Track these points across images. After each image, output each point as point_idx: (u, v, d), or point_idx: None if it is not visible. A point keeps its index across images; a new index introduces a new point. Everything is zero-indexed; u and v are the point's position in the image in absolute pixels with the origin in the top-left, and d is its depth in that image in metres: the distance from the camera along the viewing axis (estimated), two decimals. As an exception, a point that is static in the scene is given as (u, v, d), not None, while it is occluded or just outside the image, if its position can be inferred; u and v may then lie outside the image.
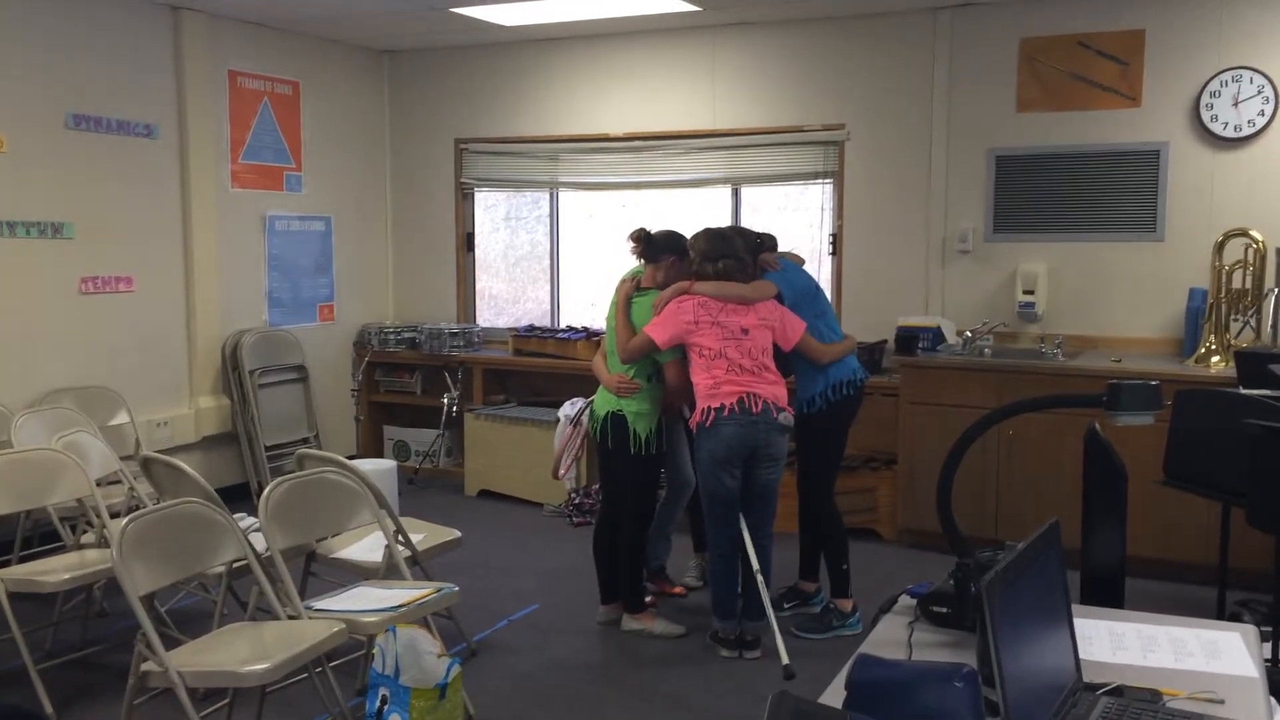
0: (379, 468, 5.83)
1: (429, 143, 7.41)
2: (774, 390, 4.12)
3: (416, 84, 7.42)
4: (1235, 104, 5.33)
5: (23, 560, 4.27)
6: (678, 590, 4.92)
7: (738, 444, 4.05)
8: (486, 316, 7.50)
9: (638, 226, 4.49)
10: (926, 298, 6.07)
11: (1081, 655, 1.87)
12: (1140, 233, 5.60)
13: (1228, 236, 5.15)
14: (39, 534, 4.70)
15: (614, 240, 6.92)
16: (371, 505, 3.83)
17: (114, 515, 4.23)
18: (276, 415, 6.55)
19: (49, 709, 3.68)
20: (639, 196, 6.91)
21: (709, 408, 4.07)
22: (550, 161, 7.06)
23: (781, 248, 4.68)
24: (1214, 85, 5.37)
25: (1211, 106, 5.38)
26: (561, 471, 5.13)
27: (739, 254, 4.25)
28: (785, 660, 3.96)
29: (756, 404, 4.05)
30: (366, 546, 4.07)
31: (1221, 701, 1.80)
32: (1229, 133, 5.36)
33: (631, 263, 4.58)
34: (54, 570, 3.89)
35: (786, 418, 4.13)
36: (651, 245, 4.40)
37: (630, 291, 4.38)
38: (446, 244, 7.46)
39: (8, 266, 5.25)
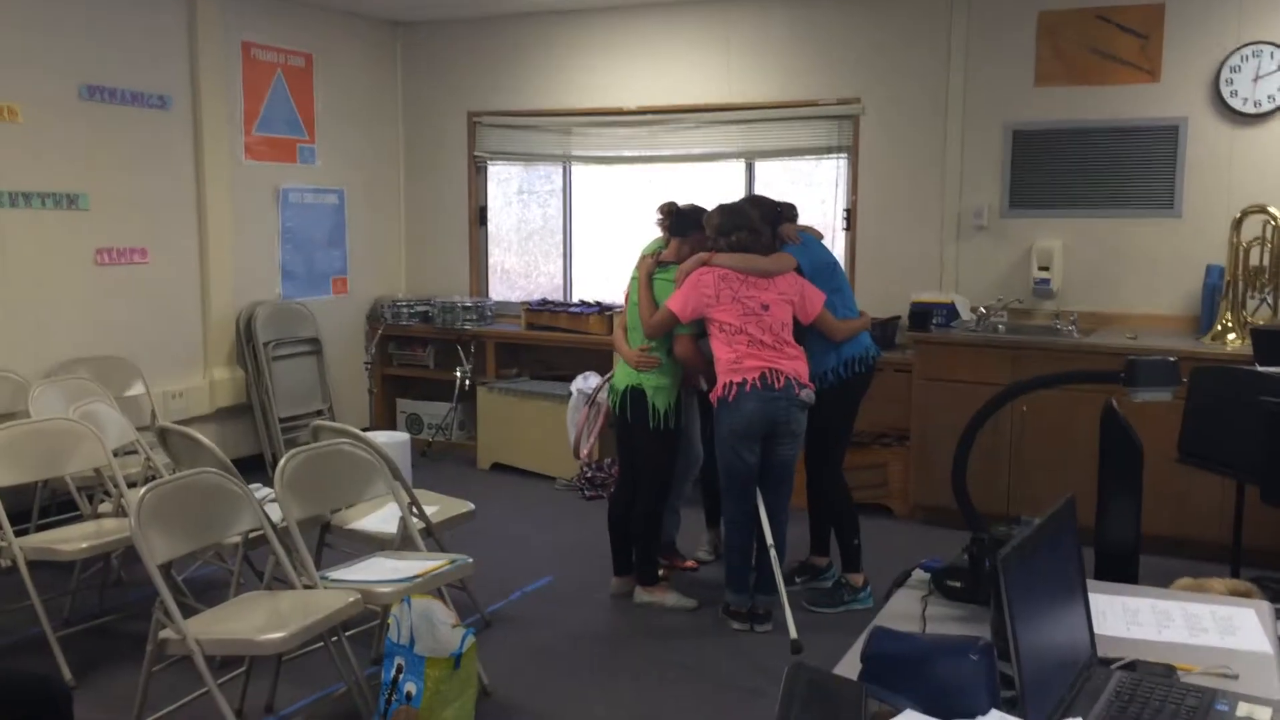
0: (392, 440, 5.85)
1: (442, 116, 7.39)
2: (795, 366, 4.11)
3: (429, 56, 7.39)
4: (1255, 79, 5.28)
5: (40, 529, 4.31)
6: (689, 564, 4.94)
7: (758, 419, 4.05)
8: (499, 290, 7.50)
9: (666, 200, 4.48)
10: (941, 273, 6.05)
11: (1096, 630, 1.87)
12: (1158, 209, 5.56)
13: (1246, 213, 5.11)
14: (56, 503, 4.75)
15: (626, 214, 6.91)
16: (386, 477, 3.84)
17: (131, 485, 4.27)
18: (290, 387, 6.57)
19: (68, 675, 3.72)
20: (652, 170, 6.88)
21: (731, 382, 4.06)
22: (563, 135, 7.04)
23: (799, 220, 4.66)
24: (1234, 60, 5.31)
25: (1231, 82, 5.33)
26: (583, 452, 5.14)
27: (753, 225, 4.23)
28: (794, 634, 3.98)
29: (779, 380, 4.04)
30: (381, 518, 4.09)
31: (1236, 676, 1.80)
32: (1249, 108, 5.31)
33: (653, 235, 4.57)
34: (72, 539, 3.93)
35: (809, 394, 4.12)
36: (680, 219, 4.39)
37: (651, 268, 4.37)
38: (459, 217, 7.45)
39: (24, 238, 5.27)
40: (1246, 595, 2.29)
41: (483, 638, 4.08)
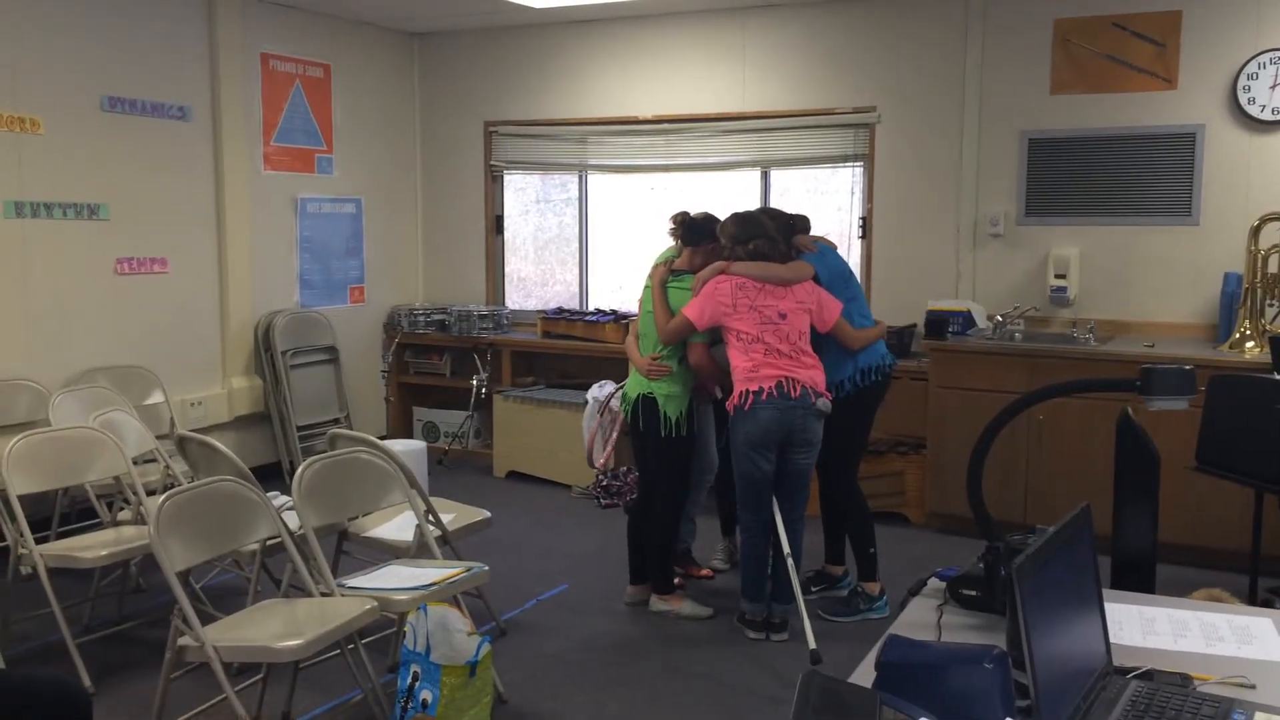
0: (409, 448, 5.87)
1: (459, 125, 7.43)
2: (812, 375, 4.11)
3: (446, 66, 7.43)
4: (1273, 86, 5.26)
5: (61, 537, 4.35)
6: (705, 573, 4.94)
7: (774, 428, 4.05)
8: (515, 299, 7.53)
9: (679, 209, 4.49)
10: (957, 281, 6.04)
11: (1112, 639, 1.86)
12: (1175, 217, 5.53)
13: (1264, 221, 5.08)
14: (76, 511, 4.79)
15: (642, 223, 6.92)
16: (403, 485, 3.87)
17: (150, 493, 4.29)
18: (308, 396, 6.61)
19: (87, 681, 3.75)
20: (668, 179, 6.90)
21: (747, 390, 4.06)
22: (579, 144, 7.07)
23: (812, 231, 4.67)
24: (1251, 67, 5.29)
25: (1249, 89, 5.31)
26: (599, 461, 5.14)
27: (769, 233, 4.23)
28: (813, 645, 3.97)
29: (795, 388, 4.04)
30: (397, 526, 4.11)
31: (1253, 686, 1.79)
32: (1266, 115, 5.29)
33: (665, 244, 4.58)
34: (92, 546, 3.96)
35: (825, 403, 4.11)
36: (691, 229, 4.40)
37: (665, 276, 4.37)
38: (476, 226, 7.48)
39: (45, 247, 5.32)
40: (1219, 600, 2.29)
41: (498, 645, 4.10)
